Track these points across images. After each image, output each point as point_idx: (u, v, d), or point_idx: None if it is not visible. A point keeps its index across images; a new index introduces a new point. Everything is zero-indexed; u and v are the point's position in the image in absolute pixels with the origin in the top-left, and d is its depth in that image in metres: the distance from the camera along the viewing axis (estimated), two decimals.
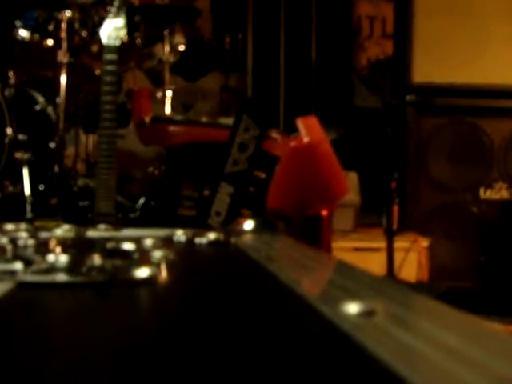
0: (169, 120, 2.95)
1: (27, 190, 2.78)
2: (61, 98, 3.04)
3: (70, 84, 3.10)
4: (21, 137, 2.85)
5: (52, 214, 2.84)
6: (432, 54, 3.25)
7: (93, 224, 2.09)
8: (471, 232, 3.27)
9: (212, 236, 0.88)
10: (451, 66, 3.25)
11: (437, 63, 3.25)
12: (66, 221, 2.58)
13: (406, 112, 3.31)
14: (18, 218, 2.69)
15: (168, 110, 3.43)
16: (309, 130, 2.10)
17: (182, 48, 3.59)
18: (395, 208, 3.05)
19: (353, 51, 4.31)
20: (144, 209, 2.56)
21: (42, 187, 2.96)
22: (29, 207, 2.76)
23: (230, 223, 2.05)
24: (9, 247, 0.73)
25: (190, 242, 0.87)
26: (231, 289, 0.62)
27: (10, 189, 2.89)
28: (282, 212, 2.01)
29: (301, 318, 0.51)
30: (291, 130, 2.33)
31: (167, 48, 3.45)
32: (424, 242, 3.08)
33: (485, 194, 3.29)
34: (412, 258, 3.02)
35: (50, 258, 0.65)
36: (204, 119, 2.93)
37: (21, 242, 0.78)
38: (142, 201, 2.60)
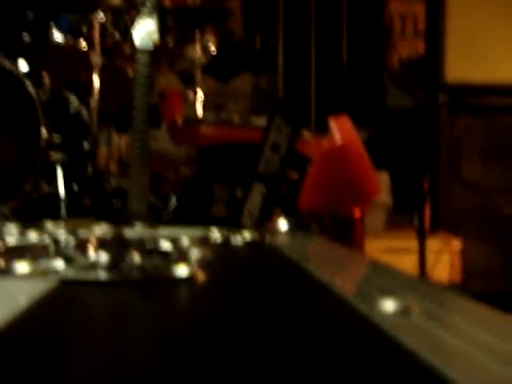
0: (200, 121, 2.97)
1: (61, 190, 2.82)
2: (94, 100, 3.08)
3: (103, 86, 3.13)
4: (55, 138, 2.89)
5: (86, 214, 2.87)
6: (465, 52, 3.22)
7: (126, 224, 2.11)
8: (504, 233, 3.23)
9: (247, 235, 0.88)
10: (484, 65, 3.21)
11: (470, 62, 3.22)
12: (100, 220, 2.60)
13: (438, 112, 3.28)
14: (52, 217, 2.73)
15: (199, 110, 3.45)
16: (341, 129, 2.10)
17: (213, 49, 3.60)
18: (427, 208, 3.03)
19: (384, 50, 4.29)
20: (176, 209, 2.58)
21: (75, 187, 3.00)
22: (63, 207, 2.80)
23: (262, 223, 2.06)
24: (50, 245, 0.75)
25: (226, 241, 0.88)
26: (269, 287, 0.63)
27: (45, 189, 2.94)
28: (314, 212, 2.01)
29: (339, 316, 0.52)
30: (323, 130, 2.32)
31: (199, 49, 3.47)
32: (456, 243, 3.05)
33: None
34: (444, 259, 3.00)
35: (91, 256, 0.67)
36: (235, 120, 2.94)
37: (62, 241, 0.79)
38: (174, 201, 2.62)
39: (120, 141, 3.45)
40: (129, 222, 2.20)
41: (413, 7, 4.28)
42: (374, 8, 4.28)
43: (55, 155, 2.81)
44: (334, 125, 2.10)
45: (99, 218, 2.73)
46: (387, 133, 3.86)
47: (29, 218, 2.73)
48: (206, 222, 2.47)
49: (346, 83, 3.98)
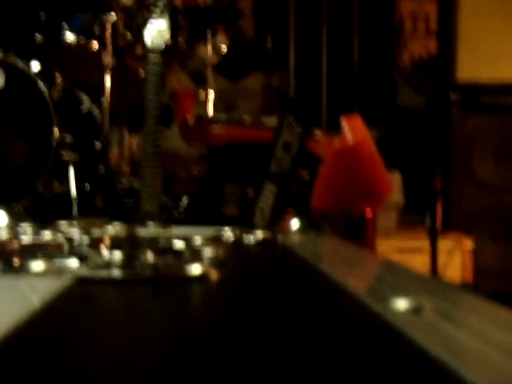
0: (212, 120, 2.97)
1: (73, 190, 2.83)
2: (106, 100, 3.09)
3: (115, 85, 3.14)
4: (67, 137, 2.90)
5: (97, 213, 2.89)
6: (477, 51, 3.21)
7: (138, 223, 2.12)
8: None
9: (260, 234, 0.89)
10: (496, 64, 3.20)
11: (482, 61, 3.20)
12: (112, 220, 2.62)
13: (450, 111, 3.27)
14: (64, 216, 2.74)
15: (211, 110, 3.45)
16: (353, 129, 2.10)
17: (224, 48, 3.61)
18: (439, 208, 3.02)
19: (396, 49, 4.28)
20: (188, 208, 2.59)
21: (87, 187, 3.01)
22: (75, 206, 2.81)
23: (274, 223, 2.06)
24: (65, 244, 0.76)
25: (238, 240, 0.88)
26: (282, 286, 0.63)
27: (57, 188, 2.95)
28: (325, 212, 2.01)
29: (351, 314, 0.52)
30: (334, 129, 2.32)
31: (210, 49, 3.47)
32: (468, 243, 3.04)
33: None
34: (456, 259, 2.99)
35: (105, 254, 0.67)
36: (246, 119, 2.94)
37: (75, 239, 0.80)
38: (185, 200, 2.63)
39: (132, 140, 3.47)
40: (141, 222, 2.21)
41: (424, 6, 4.27)
42: (385, 7, 4.27)
43: (67, 155, 2.82)
44: (345, 124, 2.10)
45: (111, 217, 2.74)
46: (398, 132, 3.86)
47: (41, 218, 2.74)
48: (217, 221, 2.48)
49: (357, 82, 3.98)
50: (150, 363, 0.40)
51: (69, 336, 0.47)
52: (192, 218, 2.52)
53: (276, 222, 2.04)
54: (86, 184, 2.94)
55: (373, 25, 4.12)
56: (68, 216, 2.70)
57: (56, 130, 2.81)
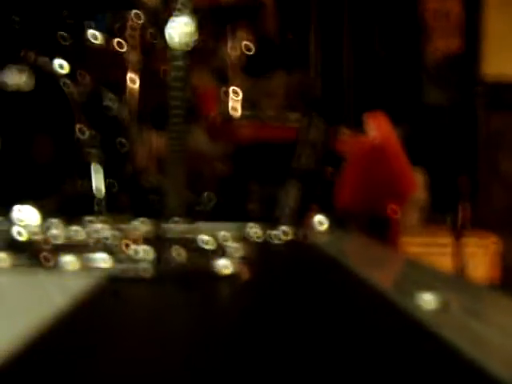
0: (236, 118, 2.98)
1: (100, 188, 2.86)
2: (131, 98, 3.12)
3: (140, 84, 3.16)
4: (92, 136, 2.93)
5: (123, 210, 2.91)
6: (503, 47, 3.18)
7: (164, 221, 2.13)
8: None
9: (286, 232, 0.89)
10: None
11: (508, 57, 3.18)
12: (137, 217, 2.64)
13: (475, 108, 3.25)
14: (90, 213, 2.77)
15: (235, 108, 3.46)
16: (378, 126, 2.09)
17: (247, 47, 3.61)
18: (465, 207, 3.00)
19: (421, 47, 4.25)
20: (212, 206, 2.60)
21: (113, 184, 3.04)
22: (101, 204, 2.83)
23: (298, 221, 2.06)
24: (94, 241, 0.77)
25: (265, 238, 0.89)
26: (309, 283, 0.63)
27: (84, 187, 2.98)
28: (350, 210, 2.01)
29: (379, 311, 0.52)
30: (359, 127, 2.32)
31: (233, 47, 3.48)
32: (495, 242, 3.02)
33: None
34: (482, 258, 2.97)
35: (134, 251, 0.68)
36: (270, 117, 2.95)
37: (105, 236, 0.81)
38: (210, 198, 2.64)
39: (157, 139, 3.49)
40: (167, 220, 2.23)
41: (449, 3, 4.24)
42: (409, 3, 4.24)
43: (93, 153, 2.85)
44: (370, 122, 2.10)
45: (137, 215, 2.76)
46: (424, 130, 3.83)
47: (68, 216, 2.77)
48: (242, 219, 2.49)
49: (381, 80, 3.96)
50: (179, 359, 0.41)
51: (99, 331, 0.48)
52: (217, 215, 2.53)
53: (300, 220, 2.04)
54: (112, 182, 2.97)
55: (397, 22, 4.09)
56: (94, 214, 2.72)
57: (82, 129, 2.84)
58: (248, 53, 3.59)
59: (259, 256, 0.80)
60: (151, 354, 0.42)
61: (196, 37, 2.95)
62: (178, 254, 0.69)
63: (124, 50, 3.08)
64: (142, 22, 3.11)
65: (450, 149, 3.08)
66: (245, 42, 3.53)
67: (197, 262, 0.68)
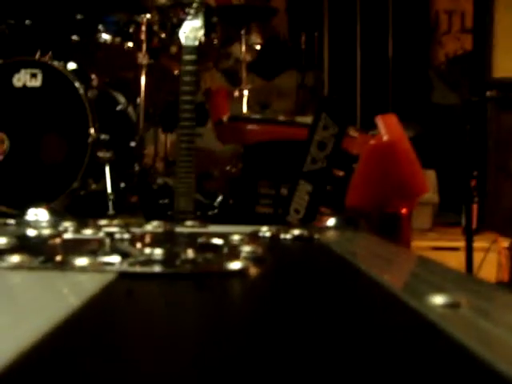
0: (246, 119, 2.98)
1: (109, 188, 2.87)
2: (141, 99, 3.13)
3: (150, 85, 3.17)
4: (103, 136, 2.94)
5: (133, 211, 2.92)
6: None
7: (173, 221, 2.14)
8: None
9: (296, 232, 0.89)
10: None
11: None
12: (147, 218, 2.65)
13: (485, 108, 3.24)
14: (100, 214, 2.78)
15: (245, 108, 3.47)
16: (388, 127, 2.09)
17: (258, 47, 3.61)
18: (475, 207, 2.99)
19: (430, 47, 4.25)
20: (222, 206, 2.60)
21: (123, 185, 3.05)
22: (110, 204, 2.84)
23: (308, 221, 2.06)
24: (107, 241, 0.78)
25: (275, 237, 0.89)
26: (320, 282, 0.64)
27: (93, 186, 2.99)
28: (360, 210, 2.01)
29: (388, 310, 0.53)
30: (368, 127, 2.32)
31: (244, 47, 3.48)
32: (504, 242, 3.01)
33: None
34: (492, 258, 2.96)
35: (147, 250, 0.69)
36: (281, 118, 2.95)
37: (117, 237, 0.82)
38: (220, 198, 2.65)
39: (166, 139, 3.50)
40: (176, 220, 2.23)
41: (459, 3, 4.23)
42: (420, 4, 4.23)
43: (103, 153, 2.86)
44: (380, 122, 2.10)
45: (146, 215, 2.77)
46: (434, 130, 3.83)
47: (78, 216, 2.78)
48: (252, 219, 2.49)
49: (391, 80, 3.96)
50: (190, 357, 0.41)
51: (112, 329, 0.48)
52: (226, 216, 2.54)
53: (311, 220, 2.04)
54: (122, 182, 2.98)
55: (407, 22, 4.09)
56: (104, 214, 2.74)
57: (92, 129, 2.85)
58: (259, 53, 3.59)
59: (270, 256, 0.81)
60: (162, 351, 0.42)
61: (206, 37, 2.95)
62: (190, 253, 0.70)
63: (135, 50, 3.10)
64: (152, 22, 3.12)
65: (459, 149, 3.07)
66: (256, 43, 3.53)
67: (208, 261, 0.69)
